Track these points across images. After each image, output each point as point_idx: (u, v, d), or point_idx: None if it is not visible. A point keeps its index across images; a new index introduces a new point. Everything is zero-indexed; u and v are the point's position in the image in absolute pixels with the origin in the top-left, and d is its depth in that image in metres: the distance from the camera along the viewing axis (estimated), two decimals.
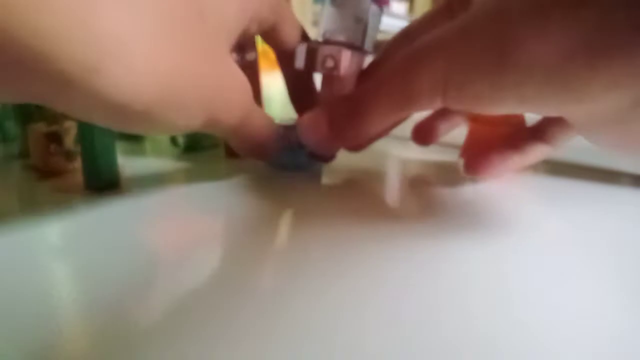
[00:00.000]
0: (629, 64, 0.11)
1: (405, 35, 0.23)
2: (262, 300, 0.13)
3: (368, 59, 0.23)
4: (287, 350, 0.11)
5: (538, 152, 0.22)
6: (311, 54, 0.21)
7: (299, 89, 0.25)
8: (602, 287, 0.13)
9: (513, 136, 0.23)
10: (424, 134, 0.26)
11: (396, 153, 0.28)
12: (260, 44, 0.28)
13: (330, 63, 0.21)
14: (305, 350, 0.11)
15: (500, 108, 0.15)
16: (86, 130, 0.21)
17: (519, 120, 0.23)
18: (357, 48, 0.21)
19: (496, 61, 0.14)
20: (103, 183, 0.22)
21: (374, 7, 0.21)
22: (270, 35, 0.22)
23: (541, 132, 0.22)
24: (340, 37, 0.21)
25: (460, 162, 0.23)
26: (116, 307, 0.13)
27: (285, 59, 0.23)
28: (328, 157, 0.23)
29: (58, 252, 0.16)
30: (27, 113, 0.26)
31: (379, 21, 0.22)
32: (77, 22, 0.12)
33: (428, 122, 0.26)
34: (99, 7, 0.12)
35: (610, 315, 0.12)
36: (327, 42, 0.21)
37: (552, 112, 0.15)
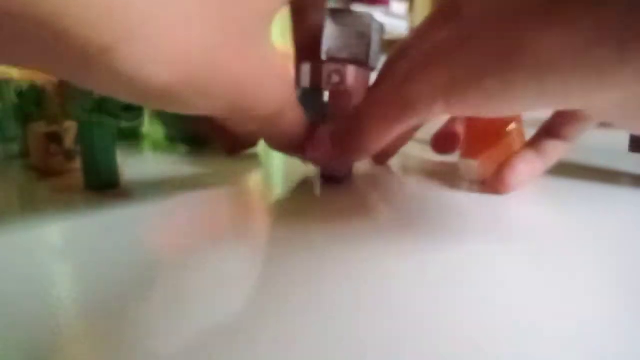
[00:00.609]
0: None
1: (405, 48, 0.23)
2: (262, 300, 0.13)
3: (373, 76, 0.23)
4: (287, 350, 0.11)
5: (558, 150, 0.22)
6: (316, 71, 0.21)
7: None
8: (602, 287, 0.13)
9: (530, 139, 0.22)
10: (442, 144, 0.26)
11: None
12: None
13: (335, 78, 0.20)
14: (304, 349, 0.11)
15: (515, 107, 0.15)
16: (86, 130, 0.21)
17: (515, 118, 0.23)
18: (361, 63, 0.21)
19: (507, 61, 0.13)
20: (103, 183, 0.22)
21: (376, 22, 0.21)
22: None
23: (555, 130, 0.21)
24: (344, 54, 0.21)
25: (463, 163, 0.23)
26: (116, 307, 0.13)
27: (298, 17, 0.22)
28: (340, 177, 0.23)
29: (58, 252, 0.16)
30: (27, 113, 0.26)
31: (381, 36, 0.22)
32: (93, 2, 0.12)
33: (445, 130, 0.26)
34: None
35: (610, 316, 0.12)
36: (330, 59, 0.21)
37: (576, 104, 0.15)
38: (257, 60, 0.17)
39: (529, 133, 0.23)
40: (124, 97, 0.15)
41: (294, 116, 0.20)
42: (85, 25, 0.12)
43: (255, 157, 0.28)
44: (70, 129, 0.24)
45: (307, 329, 0.12)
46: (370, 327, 0.12)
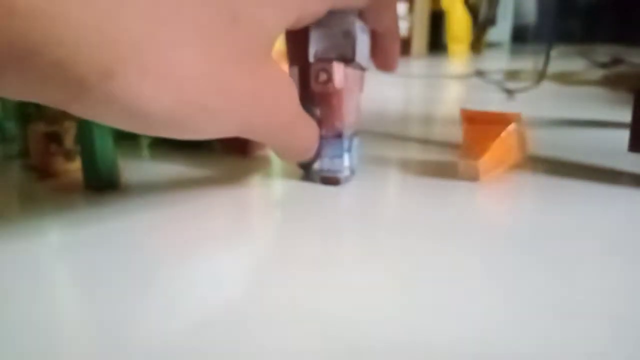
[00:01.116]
0: None
1: None
2: (263, 300, 0.13)
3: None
4: (288, 350, 0.11)
5: None
6: (304, 73, 0.21)
7: None
8: (602, 287, 0.13)
9: None
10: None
11: (395, 153, 0.28)
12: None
13: (323, 77, 0.20)
14: (304, 349, 0.11)
15: None
16: (86, 130, 0.21)
17: (514, 118, 0.23)
18: (349, 61, 0.21)
19: None
20: (103, 183, 0.22)
21: (359, 23, 0.21)
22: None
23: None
24: (331, 54, 0.21)
25: (463, 163, 0.23)
26: (116, 308, 0.13)
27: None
28: (339, 178, 0.22)
29: (58, 252, 0.16)
30: (27, 113, 0.26)
31: (368, 36, 0.22)
32: (91, 28, 0.12)
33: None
34: (114, 13, 0.12)
35: (611, 316, 0.12)
36: (318, 60, 0.21)
37: None
38: (259, 81, 0.17)
39: (530, 133, 0.23)
40: (122, 125, 0.15)
41: (304, 130, 0.20)
42: (80, 53, 0.12)
43: (256, 157, 0.28)
44: (70, 129, 0.24)
45: (308, 329, 0.12)
46: (371, 326, 0.12)
